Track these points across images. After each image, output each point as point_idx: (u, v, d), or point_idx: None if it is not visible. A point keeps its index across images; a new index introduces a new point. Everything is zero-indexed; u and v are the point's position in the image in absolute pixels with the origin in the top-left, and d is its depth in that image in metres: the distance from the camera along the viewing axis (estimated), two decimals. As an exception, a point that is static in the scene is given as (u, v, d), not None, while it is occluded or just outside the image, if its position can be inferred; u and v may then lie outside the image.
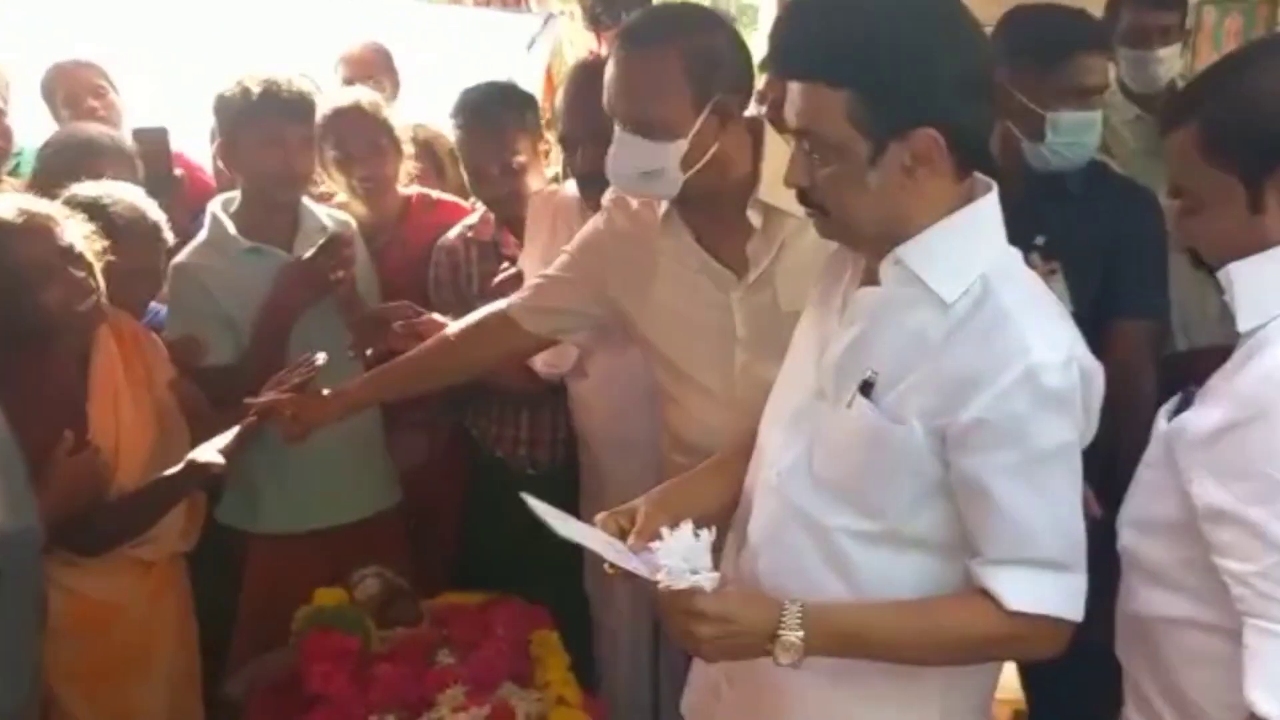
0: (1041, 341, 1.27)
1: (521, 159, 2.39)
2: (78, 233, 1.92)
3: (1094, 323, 2.20)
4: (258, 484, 2.38)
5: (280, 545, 2.39)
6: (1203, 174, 1.31)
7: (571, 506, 1.89)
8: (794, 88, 1.33)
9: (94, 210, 2.05)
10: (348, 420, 2.14)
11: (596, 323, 2.05)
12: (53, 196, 2.03)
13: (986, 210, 1.36)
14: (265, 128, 2.28)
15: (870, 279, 1.41)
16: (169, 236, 2.22)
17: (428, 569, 2.41)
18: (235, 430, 2.04)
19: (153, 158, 2.77)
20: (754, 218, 1.81)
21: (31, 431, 1.87)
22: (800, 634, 1.28)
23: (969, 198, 1.36)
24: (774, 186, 1.83)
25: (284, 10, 4.16)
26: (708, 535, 1.31)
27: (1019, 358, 1.26)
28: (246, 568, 2.43)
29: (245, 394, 2.06)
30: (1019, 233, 2.17)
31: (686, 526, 1.31)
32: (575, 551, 1.53)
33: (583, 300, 2.01)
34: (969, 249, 1.33)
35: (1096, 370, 1.34)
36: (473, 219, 2.54)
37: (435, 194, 2.75)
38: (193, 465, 2.00)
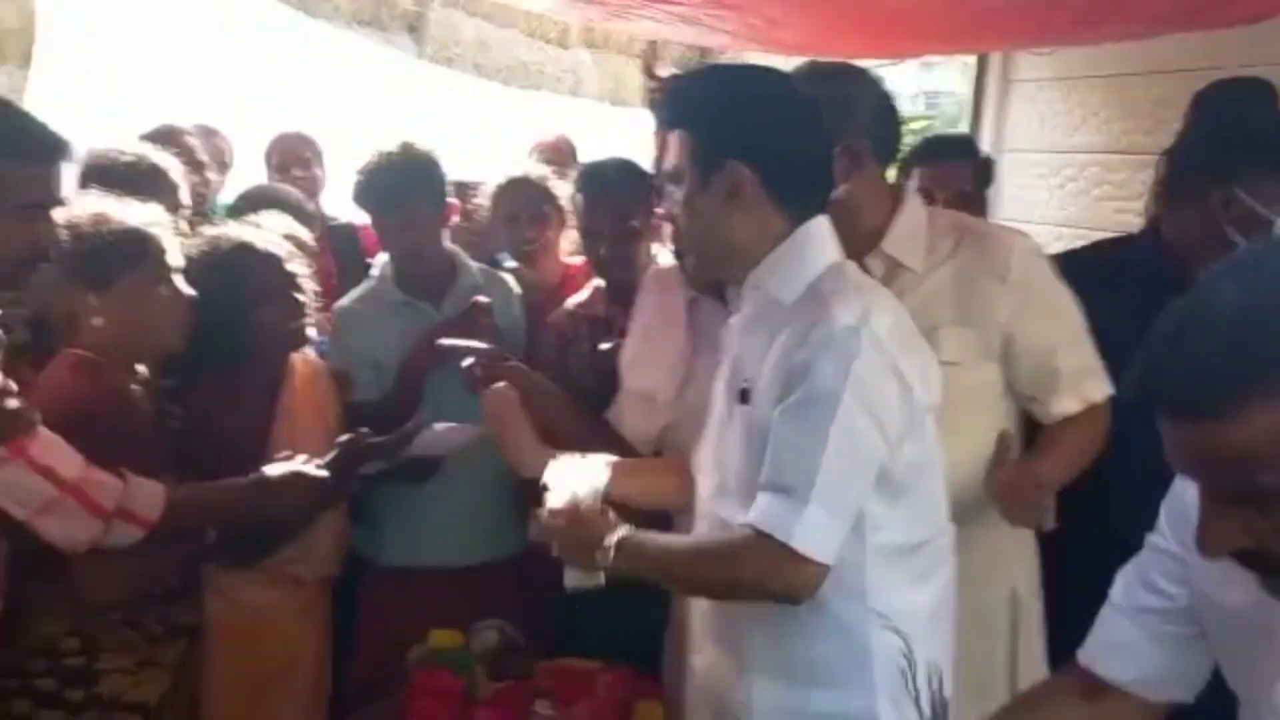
0: (840, 310, 1.46)
1: (635, 223, 2.35)
2: (300, 268, 2.20)
3: None
4: (380, 514, 2.45)
5: (397, 580, 2.44)
6: None
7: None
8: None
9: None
10: (477, 464, 2.18)
11: None
12: None
13: (814, 230, 1.56)
14: (382, 201, 2.44)
15: None
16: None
17: (540, 622, 2.38)
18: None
19: (345, 250, 3.07)
20: (875, 267, 1.80)
21: (218, 448, 2.04)
22: (611, 545, 1.52)
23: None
24: (899, 241, 1.79)
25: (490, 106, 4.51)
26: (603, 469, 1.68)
27: (821, 323, 1.46)
28: (363, 600, 2.48)
29: (382, 431, 2.13)
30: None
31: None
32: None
33: None
34: (802, 261, 1.55)
35: (893, 335, 1.47)
36: (583, 295, 2.51)
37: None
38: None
